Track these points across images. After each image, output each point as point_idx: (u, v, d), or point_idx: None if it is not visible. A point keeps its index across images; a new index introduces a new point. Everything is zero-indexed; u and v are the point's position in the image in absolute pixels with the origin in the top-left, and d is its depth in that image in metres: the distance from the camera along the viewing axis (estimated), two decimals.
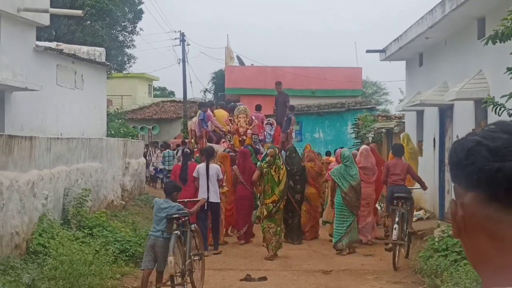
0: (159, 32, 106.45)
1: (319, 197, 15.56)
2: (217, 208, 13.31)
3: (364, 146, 15.68)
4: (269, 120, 18.88)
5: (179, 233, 9.08)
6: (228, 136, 17.88)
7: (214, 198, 13.04)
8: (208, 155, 13.41)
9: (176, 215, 9.08)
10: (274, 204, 13.09)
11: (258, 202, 14.30)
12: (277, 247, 13.01)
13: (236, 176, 14.75)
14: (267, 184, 13.11)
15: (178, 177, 13.63)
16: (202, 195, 12.68)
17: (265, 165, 13.18)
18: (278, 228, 13.13)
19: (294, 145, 17.60)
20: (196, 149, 17.59)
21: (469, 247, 1.27)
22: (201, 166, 13.24)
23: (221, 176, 13.23)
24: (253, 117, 18.39)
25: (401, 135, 17.54)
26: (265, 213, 13.13)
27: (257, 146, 17.57)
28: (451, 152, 1.32)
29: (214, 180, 13.03)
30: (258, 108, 19.82)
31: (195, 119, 19.39)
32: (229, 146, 17.34)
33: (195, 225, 10.19)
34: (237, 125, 17.83)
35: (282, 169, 13.33)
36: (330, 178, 14.10)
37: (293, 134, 21.94)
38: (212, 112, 18.78)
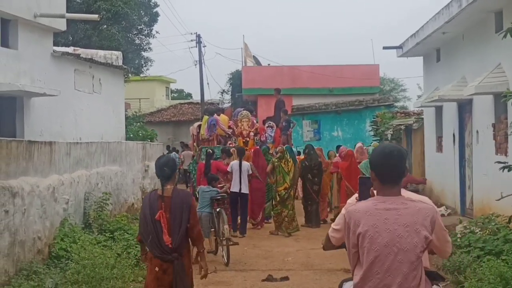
0: (175, 35, 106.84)
1: (326, 189, 18.02)
2: (247, 198, 15.53)
3: (359, 144, 17.41)
4: (270, 123, 20.54)
5: (220, 209, 12.25)
6: (234, 138, 19.45)
7: (245, 189, 15.25)
8: (241, 154, 15.62)
9: (219, 197, 12.40)
10: (286, 191, 15.50)
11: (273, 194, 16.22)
12: (290, 228, 15.30)
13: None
14: (279, 175, 15.53)
15: (203, 172, 15.31)
16: (235, 186, 15.02)
17: (276, 160, 15.68)
18: (290, 212, 15.42)
19: (312, 144, 19.20)
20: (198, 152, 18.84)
21: None
22: (235, 163, 15.37)
23: (250, 172, 15.44)
24: (255, 121, 20.23)
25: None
26: (278, 199, 15.48)
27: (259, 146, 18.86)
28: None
29: (245, 175, 15.20)
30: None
31: (196, 124, 20.48)
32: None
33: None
34: (240, 128, 19.49)
35: (290, 162, 15.72)
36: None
37: (292, 135, 23.92)
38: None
